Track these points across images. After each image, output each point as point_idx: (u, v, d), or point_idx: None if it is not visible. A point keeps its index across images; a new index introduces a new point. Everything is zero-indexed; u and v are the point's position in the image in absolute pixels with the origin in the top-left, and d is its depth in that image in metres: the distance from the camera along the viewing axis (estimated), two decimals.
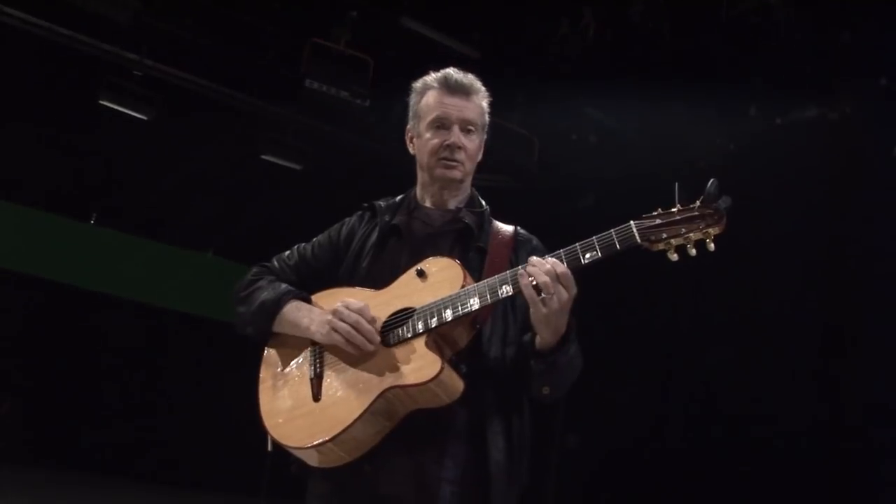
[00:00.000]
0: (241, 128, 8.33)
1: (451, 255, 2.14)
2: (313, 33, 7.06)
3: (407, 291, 2.08)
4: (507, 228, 2.28)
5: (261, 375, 2.23)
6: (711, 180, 1.86)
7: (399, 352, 2.01)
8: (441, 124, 2.24)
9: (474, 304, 1.97)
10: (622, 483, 7.52)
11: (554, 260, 1.91)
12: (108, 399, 10.14)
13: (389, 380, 1.97)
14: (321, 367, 2.11)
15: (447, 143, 2.22)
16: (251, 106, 8.00)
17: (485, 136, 2.35)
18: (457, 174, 2.25)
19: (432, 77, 2.30)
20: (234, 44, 7.34)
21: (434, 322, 1.98)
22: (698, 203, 1.86)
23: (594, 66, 7.10)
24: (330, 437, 1.97)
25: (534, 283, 1.89)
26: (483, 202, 2.36)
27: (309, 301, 2.22)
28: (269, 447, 2.11)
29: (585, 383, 2.28)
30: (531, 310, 1.92)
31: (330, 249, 2.36)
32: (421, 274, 2.08)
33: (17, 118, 8.35)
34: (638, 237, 1.87)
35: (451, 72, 2.29)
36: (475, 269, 2.12)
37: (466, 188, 2.35)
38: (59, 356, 10.12)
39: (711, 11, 6.44)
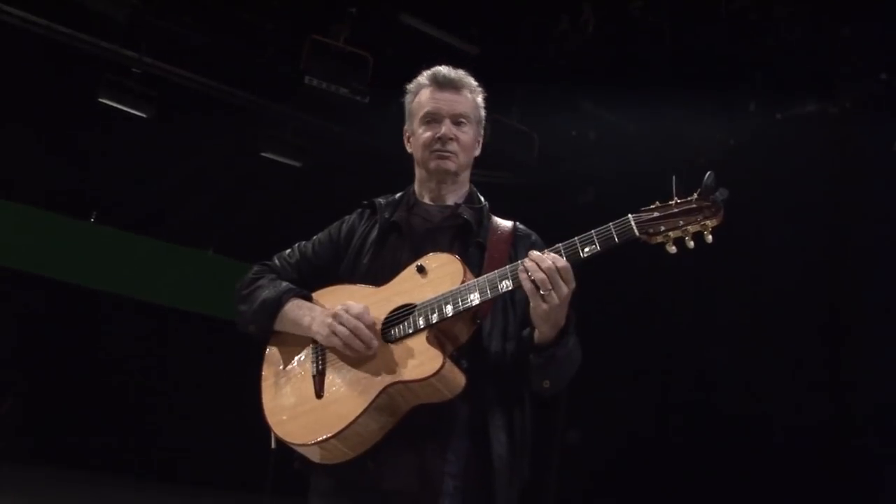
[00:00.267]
0: (240, 125, 8.32)
1: (450, 250, 2.15)
2: (312, 30, 7.05)
3: (407, 287, 2.09)
4: (507, 224, 2.29)
5: (263, 373, 2.24)
6: (708, 173, 1.87)
7: (400, 348, 2.02)
8: (432, 119, 2.27)
9: (474, 299, 1.98)
10: (623, 479, 7.52)
11: (554, 255, 1.92)
12: (109, 397, 10.12)
13: (391, 376, 1.98)
14: (323, 364, 2.12)
15: (438, 135, 2.24)
16: (250, 103, 7.99)
17: (481, 131, 2.38)
18: (450, 165, 2.26)
19: (423, 76, 2.34)
20: (233, 41, 7.32)
21: (435, 318, 1.99)
22: (696, 195, 1.88)
23: (593, 61, 7.10)
24: (333, 433, 1.98)
25: (533, 277, 1.90)
26: (482, 198, 2.37)
27: (310, 299, 2.23)
28: (273, 444, 2.12)
29: (587, 378, 2.29)
30: (531, 304, 1.94)
31: (330, 247, 2.37)
32: (421, 270, 2.10)
33: (15, 117, 8.34)
34: (636, 230, 1.88)
35: (441, 68, 2.33)
36: (475, 264, 2.13)
37: (464, 183, 2.36)
38: (59, 354, 10.11)
39: (711, 6, 6.43)
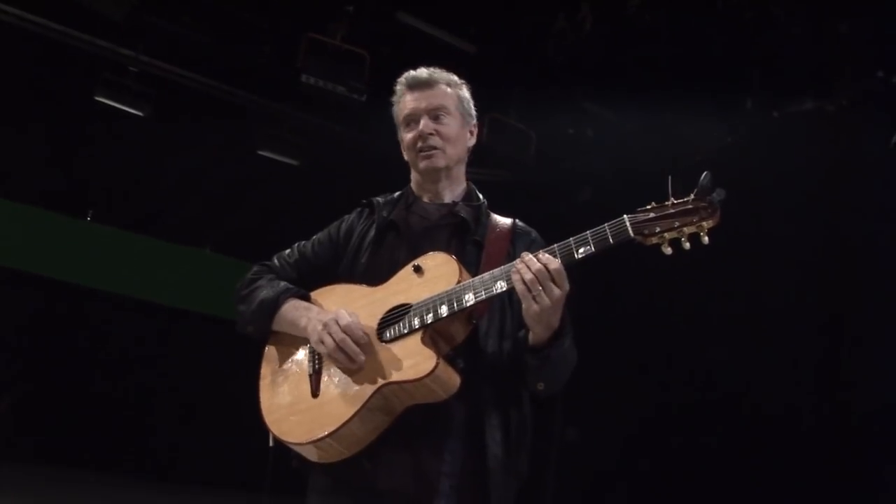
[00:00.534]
0: (237, 123, 8.31)
1: (447, 249, 2.15)
2: (309, 28, 7.04)
3: (404, 287, 2.09)
4: (505, 221, 2.28)
5: (261, 372, 2.25)
6: (705, 173, 1.85)
7: (395, 348, 2.02)
8: (411, 119, 2.30)
9: (469, 299, 1.97)
10: (622, 476, 7.53)
11: (548, 256, 1.91)
12: (106, 395, 10.12)
13: (386, 376, 1.98)
14: (319, 363, 2.13)
15: (417, 134, 2.26)
16: (247, 102, 7.98)
17: (470, 122, 2.36)
18: (438, 161, 2.27)
19: (399, 82, 2.36)
20: (229, 39, 7.31)
21: (430, 318, 1.99)
22: (692, 196, 1.86)
23: (591, 60, 7.09)
24: (328, 432, 1.98)
25: (524, 279, 1.89)
26: (480, 196, 2.37)
27: (308, 299, 2.24)
28: (271, 443, 2.13)
29: (585, 376, 2.28)
30: (523, 306, 1.93)
31: (329, 246, 2.38)
32: (418, 269, 2.09)
33: (12, 115, 8.33)
34: (631, 231, 1.87)
35: (413, 71, 2.35)
36: (472, 262, 2.13)
37: (461, 180, 2.37)
38: (57, 353, 10.11)
39: (708, 4, 6.42)
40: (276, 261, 2.41)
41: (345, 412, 1.98)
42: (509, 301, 2.14)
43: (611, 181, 7.48)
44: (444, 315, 1.98)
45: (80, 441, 9.81)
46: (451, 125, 2.28)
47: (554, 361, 1.99)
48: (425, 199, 2.34)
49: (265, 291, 2.26)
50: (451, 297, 1.98)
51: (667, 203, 1.87)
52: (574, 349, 2.05)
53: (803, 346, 6.32)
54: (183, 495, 9.69)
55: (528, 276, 1.88)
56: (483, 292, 1.96)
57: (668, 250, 1.87)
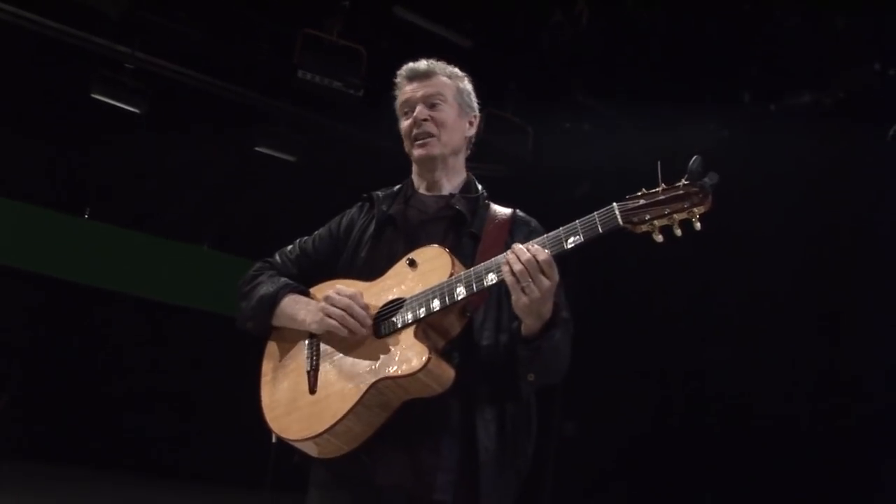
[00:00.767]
0: (234, 120, 8.30)
1: (442, 242, 2.14)
2: (305, 24, 7.03)
3: (399, 281, 2.09)
4: (505, 211, 2.27)
5: (263, 368, 2.26)
6: (694, 157, 1.80)
7: (389, 342, 2.02)
8: (407, 108, 2.31)
9: (461, 292, 1.96)
10: (621, 475, 7.54)
11: (537, 247, 1.88)
12: (106, 393, 10.12)
13: (380, 371, 1.98)
14: (317, 359, 2.13)
15: (412, 122, 2.27)
16: (244, 98, 7.97)
17: (470, 112, 2.36)
18: (432, 150, 2.26)
19: (398, 75, 2.36)
20: (225, 36, 7.30)
21: (422, 312, 1.98)
22: (683, 181, 1.81)
23: (588, 54, 7.08)
24: (325, 428, 1.99)
25: (513, 270, 1.87)
26: (479, 187, 2.36)
27: (307, 294, 2.24)
28: (273, 439, 2.14)
29: (584, 374, 2.28)
30: (512, 297, 1.90)
31: (330, 242, 2.38)
32: (412, 263, 2.09)
33: (8, 113, 8.31)
34: (620, 219, 1.82)
35: (410, 63, 2.35)
36: (467, 255, 2.12)
37: (459, 170, 2.36)
38: (56, 350, 10.11)
39: None
40: (277, 257, 2.42)
41: (341, 408, 1.98)
42: (506, 293, 2.10)
43: (608, 175, 7.47)
44: (437, 309, 1.97)
45: (77, 437, 9.81)
46: (446, 111, 2.28)
47: (545, 353, 1.96)
48: (423, 191, 2.34)
49: (265, 287, 2.26)
50: (443, 290, 1.97)
51: (657, 189, 1.82)
52: (568, 342, 2.03)
53: (803, 344, 6.31)
54: (183, 492, 9.69)
55: (518, 266, 1.85)
56: (474, 285, 1.95)
57: (658, 238, 1.82)
